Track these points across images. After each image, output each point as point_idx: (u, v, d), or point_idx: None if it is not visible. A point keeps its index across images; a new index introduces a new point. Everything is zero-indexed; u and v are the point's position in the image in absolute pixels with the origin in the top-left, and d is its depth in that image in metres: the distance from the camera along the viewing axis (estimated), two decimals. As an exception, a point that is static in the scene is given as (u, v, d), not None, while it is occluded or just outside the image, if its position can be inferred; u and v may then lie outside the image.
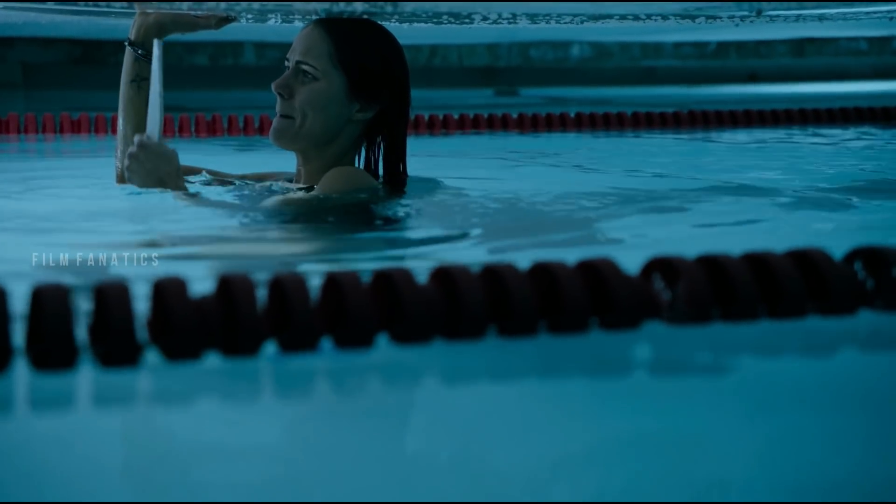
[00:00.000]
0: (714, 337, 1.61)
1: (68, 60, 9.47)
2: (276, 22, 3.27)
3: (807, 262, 1.61)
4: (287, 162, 2.62)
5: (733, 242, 1.85)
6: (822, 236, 2.36)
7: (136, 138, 2.43)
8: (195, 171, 2.65)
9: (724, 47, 10.54)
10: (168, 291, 1.40)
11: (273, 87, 2.42)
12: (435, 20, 3.37)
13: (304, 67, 2.41)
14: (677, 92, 8.87)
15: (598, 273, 1.55)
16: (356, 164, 2.51)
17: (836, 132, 5.18)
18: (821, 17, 3.57)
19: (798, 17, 3.50)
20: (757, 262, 1.61)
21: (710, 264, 1.61)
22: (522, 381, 1.51)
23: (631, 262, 1.62)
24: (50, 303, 1.32)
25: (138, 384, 1.43)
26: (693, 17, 3.46)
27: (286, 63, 2.46)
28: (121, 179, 2.55)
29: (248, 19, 3.19)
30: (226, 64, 9.22)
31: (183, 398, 1.41)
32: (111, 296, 1.38)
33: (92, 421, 1.34)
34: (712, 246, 1.67)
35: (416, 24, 3.37)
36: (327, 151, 2.45)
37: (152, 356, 1.41)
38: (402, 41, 2.50)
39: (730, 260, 1.61)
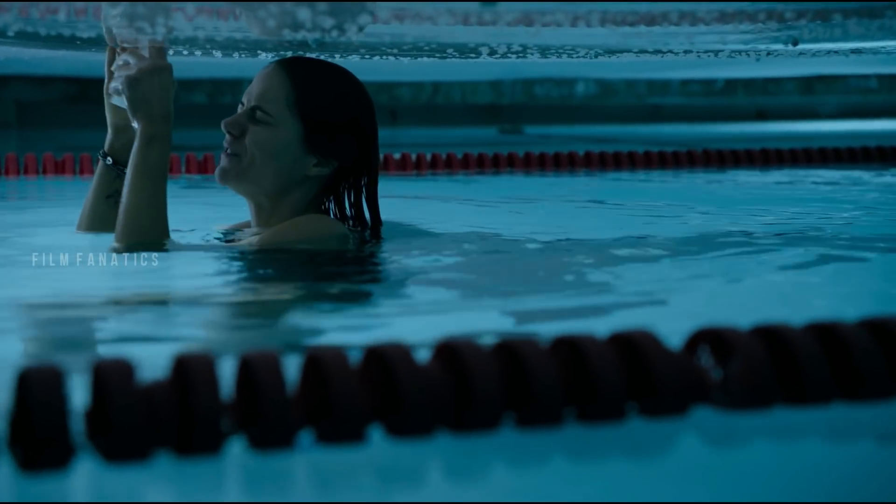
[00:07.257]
0: (776, 424, 1.37)
1: (63, 99, 9.33)
2: (239, 56, 3.02)
3: (886, 333, 1.35)
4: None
5: (787, 304, 1.60)
6: (889, 297, 2.11)
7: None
8: None
9: (731, 85, 10.47)
10: (109, 376, 1.14)
11: (223, 124, 2.24)
12: (439, 54, 3.16)
13: (259, 115, 2.23)
14: (684, 130, 8.72)
15: (635, 348, 1.31)
16: None
17: (858, 173, 4.96)
18: (853, 51, 3.34)
19: (829, 52, 3.28)
20: (826, 334, 1.35)
21: (770, 336, 1.35)
22: (545, 480, 1.27)
23: (670, 328, 1.40)
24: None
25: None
26: (716, 52, 3.23)
27: (241, 103, 2.28)
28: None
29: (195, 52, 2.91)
30: (224, 102, 9.07)
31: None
32: (37, 382, 1.11)
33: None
34: (765, 310, 1.43)
35: (419, 59, 3.16)
36: (281, 204, 2.26)
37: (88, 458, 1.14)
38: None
39: (793, 331, 1.35)
